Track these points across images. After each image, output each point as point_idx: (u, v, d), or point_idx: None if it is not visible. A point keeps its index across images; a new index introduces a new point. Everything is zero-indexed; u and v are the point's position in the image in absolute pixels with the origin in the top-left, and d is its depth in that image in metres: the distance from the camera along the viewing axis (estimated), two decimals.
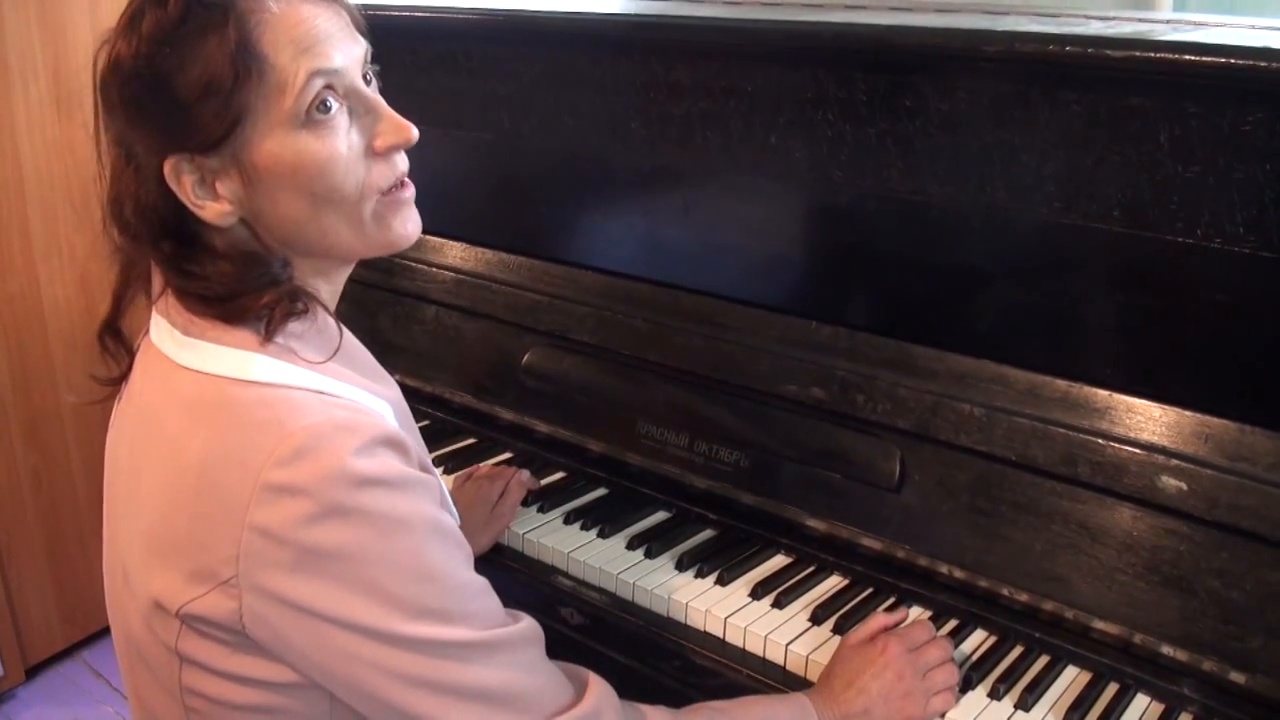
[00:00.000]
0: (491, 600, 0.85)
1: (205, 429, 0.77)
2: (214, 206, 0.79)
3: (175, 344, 0.81)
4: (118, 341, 0.89)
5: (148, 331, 0.87)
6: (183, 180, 0.77)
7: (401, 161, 0.84)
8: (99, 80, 0.78)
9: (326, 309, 0.85)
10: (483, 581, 0.85)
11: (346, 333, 0.87)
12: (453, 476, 1.42)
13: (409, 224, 0.85)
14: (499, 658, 0.81)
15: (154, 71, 0.74)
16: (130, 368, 0.89)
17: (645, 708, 0.92)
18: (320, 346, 0.83)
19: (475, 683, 0.79)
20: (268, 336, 0.79)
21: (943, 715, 1.02)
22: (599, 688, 0.88)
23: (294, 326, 0.81)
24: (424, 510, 0.79)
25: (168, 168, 0.77)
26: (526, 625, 0.86)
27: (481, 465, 1.42)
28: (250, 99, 0.75)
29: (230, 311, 0.79)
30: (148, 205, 0.78)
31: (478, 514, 1.30)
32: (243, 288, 0.80)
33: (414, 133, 0.83)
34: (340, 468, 0.74)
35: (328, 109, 0.78)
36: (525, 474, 1.37)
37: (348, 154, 0.79)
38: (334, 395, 0.80)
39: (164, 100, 0.75)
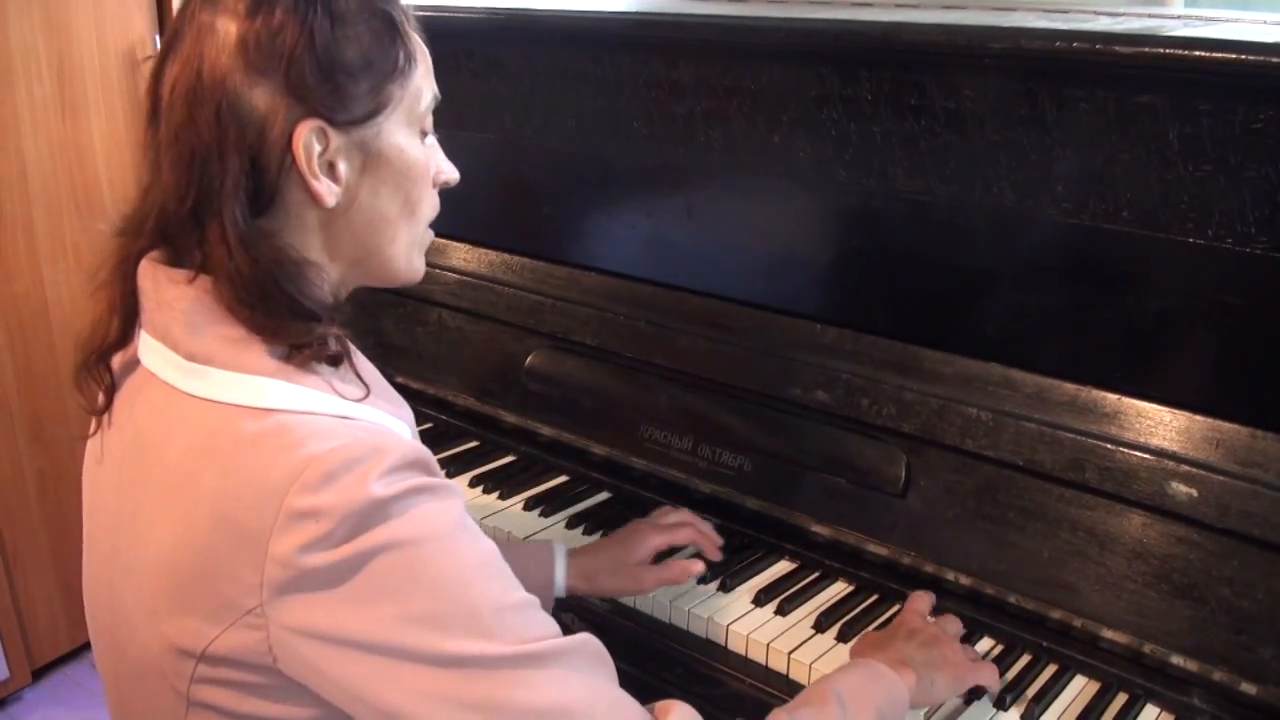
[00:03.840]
0: (538, 614, 0.78)
1: (218, 461, 0.74)
2: (328, 183, 0.79)
3: (179, 371, 0.78)
4: (107, 370, 0.85)
5: (134, 357, 0.83)
6: (310, 151, 0.78)
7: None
8: (239, 43, 0.76)
9: (353, 351, 0.85)
10: (528, 596, 0.79)
11: (363, 359, 0.88)
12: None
13: (423, 262, 0.92)
14: (553, 670, 0.74)
15: (326, 41, 0.77)
16: (112, 397, 0.85)
17: None
18: (341, 378, 0.81)
19: (526, 701, 0.72)
20: (291, 361, 0.77)
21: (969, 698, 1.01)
22: (679, 709, 0.82)
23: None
24: (451, 519, 0.75)
25: (303, 130, 0.76)
26: (584, 638, 0.79)
27: (670, 514, 1.25)
28: (397, 93, 0.81)
29: (269, 327, 0.77)
30: (246, 173, 0.76)
31: (606, 558, 1.18)
32: (302, 302, 0.79)
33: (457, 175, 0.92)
34: (369, 492, 0.71)
35: (433, 130, 0.87)
36: (699, 566, 1.17)
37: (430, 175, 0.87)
38: (355, 418, 0.77)
39: (329, 67, 0.77)
